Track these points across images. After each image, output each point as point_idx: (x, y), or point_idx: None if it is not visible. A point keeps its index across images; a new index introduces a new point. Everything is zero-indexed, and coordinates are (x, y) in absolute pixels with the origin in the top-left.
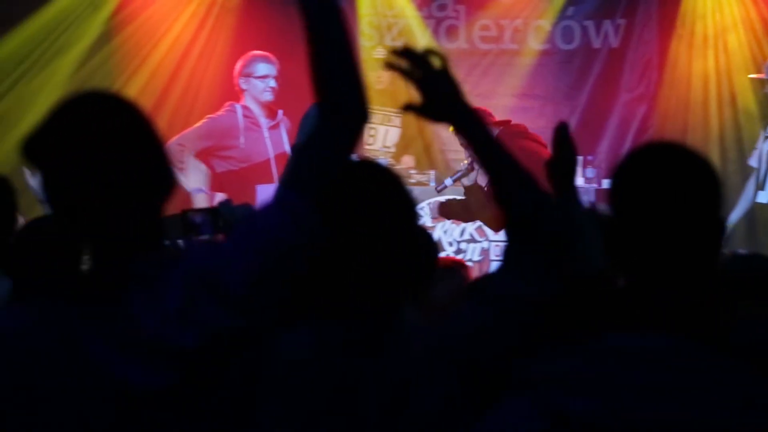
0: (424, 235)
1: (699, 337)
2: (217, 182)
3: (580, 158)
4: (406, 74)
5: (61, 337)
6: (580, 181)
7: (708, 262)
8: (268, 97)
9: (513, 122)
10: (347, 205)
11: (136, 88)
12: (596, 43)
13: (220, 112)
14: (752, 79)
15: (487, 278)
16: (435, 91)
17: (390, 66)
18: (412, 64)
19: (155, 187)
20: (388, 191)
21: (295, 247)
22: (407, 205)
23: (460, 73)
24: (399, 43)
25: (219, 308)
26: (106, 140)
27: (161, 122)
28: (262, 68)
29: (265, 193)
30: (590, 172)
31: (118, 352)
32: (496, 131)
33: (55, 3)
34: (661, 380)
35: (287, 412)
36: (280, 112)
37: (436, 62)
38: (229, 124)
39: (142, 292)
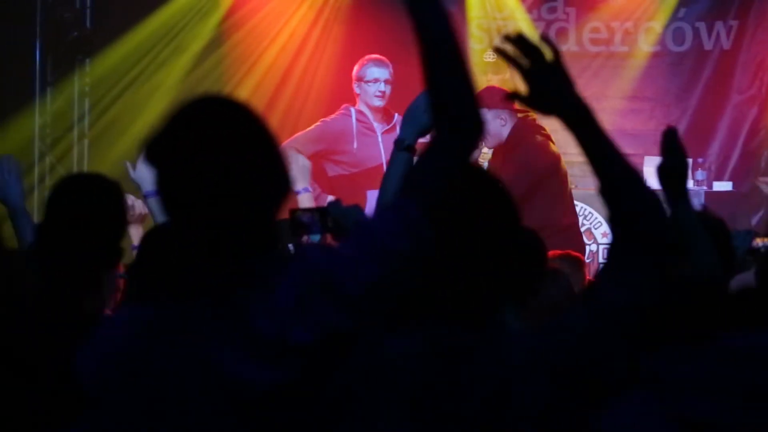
0: (532, 238)
1: None
2: (328, 186)
3: (690, 161)
4: (514, 62)
5: (176, 337)
6: (690, 183)
7: None
8: (377, 102)
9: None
10: (453, 210)
11: (246, 92)
12: (708, 45)
13: (334, 116)
14: None
15: (591, 285)
16: (544, 83)
17: (499, 52)
18: (523, 53)
19: (270, 190)
20: (491, 195)
21: (411, 255)
22: (511, 208)
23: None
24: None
25: (334, 309)
26: (222, 142)
27: (271, 125)
28: (373, 72)
29: (375, 198)
30: (700, 174)
31: (232, 350)
32: (514, 119)
33: (165, 9)
34: None
35: (393, 416)
36: (396, 115)
37: (548, 54)
38: (342, 127)
39: (256, 291)
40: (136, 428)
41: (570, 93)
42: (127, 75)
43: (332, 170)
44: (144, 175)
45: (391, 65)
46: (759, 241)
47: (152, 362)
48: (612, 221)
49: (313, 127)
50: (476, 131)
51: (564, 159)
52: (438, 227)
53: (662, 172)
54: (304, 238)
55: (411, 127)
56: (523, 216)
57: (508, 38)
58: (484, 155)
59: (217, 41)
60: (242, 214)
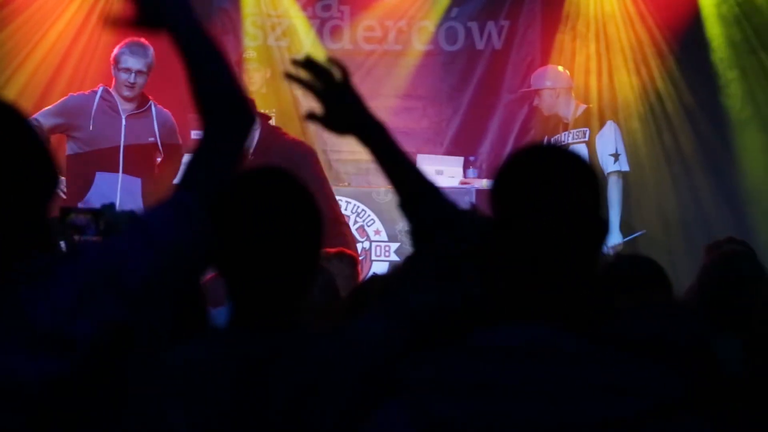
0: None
1: (564, 328)
2: (63, 165)
3: (461, 158)
4: (307, 86)
5: None
6: (456, 182)
7: (583, 259)
8: (126, 92)
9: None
10: (240, 210)
11: (16, 88)
12: (479, 45)
13: (83, 92)
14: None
15: (382, 283)
16: (337, 103)
17: (291, 77)
18: (314, 75)
19: (38, 187)
20: (300, 199)
21: (187, 246)
22: (315, 209)
23: None
24: (284, 44)
25: (113, 302)
26: None
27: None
28: (126, 60)
29: (104, 181)
30: (472, 172)
31: (7, 346)
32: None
33: None
34: (524, 376)
35: (186, 416)
36: (151, 102)
37: (337, 74)
38: (84, 104)
39: (33, 287)
40: None
41: (362, 111)
42: None
43: (70, 148)
44: None
45: (151, 52)
46: None
47: None
48: (411, 233)
49: (60, 101)
50: (248, 122)
51: (337, 157)
52: (225, 225)
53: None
54: (77, 238)
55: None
56: None
57: (297, 63)
58: None
59: None
60: (9, 214)
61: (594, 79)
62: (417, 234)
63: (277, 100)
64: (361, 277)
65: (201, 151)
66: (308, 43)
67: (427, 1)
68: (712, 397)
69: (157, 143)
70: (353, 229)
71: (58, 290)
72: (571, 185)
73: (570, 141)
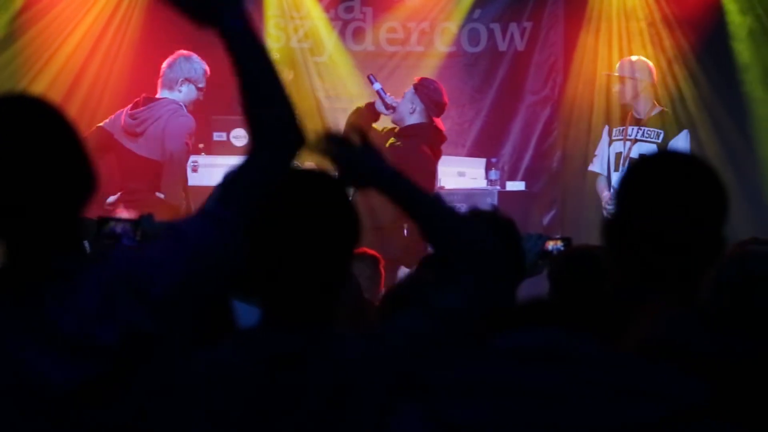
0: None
1: (585, 331)
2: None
3: (483, 160)
4: (328, 155)
5: None
6: (483, 182)
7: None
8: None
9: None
10: (275, 210)
11: (41, 87)
12: (502, 46)
13: None
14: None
15: (413, 286)
16: (355, 170)
17: (315, 149)
18: (332, 144)
19: (74, 188)
20: (333, 203)
21: (220, 257)
22: (354, 214)
23: (366, 75)
24: (306, 45)
25: (140, 311)
26: (21, 143)
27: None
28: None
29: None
30: (494, 174)
31: (33, 348)
32: (425, 117)
33: None
34: (544, 379)
35: (213, 420)
36: None
37: (355, 139)
38: None
39: (59, 289)
40: None
41: (379, 173)
42: None
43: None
44: None
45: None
46: (550, 244)
47: None
48: (430, 238)
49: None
50: (298, 145)
51: None
52: (257, 228)
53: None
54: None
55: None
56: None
57: (319, 137)
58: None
59: (10, 38)
60: (44, 212)
61: (616, 81)
62: (434, 238)
63: (299, 102)
64: (384, 278)
65: (245, 168)
66: (330, 45)
67: (449, 2)
68: (737, 402)
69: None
70: None
71: (84, 294)
72: (698, 198)
73: (639, 137)
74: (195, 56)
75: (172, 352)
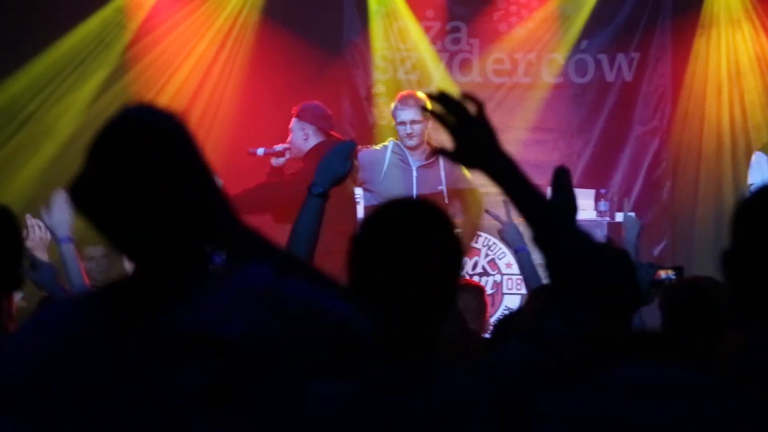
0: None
1: (699, 364)
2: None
3: (592, 191)
4: (441, 119)
5: (102, 342)
6: (592, 214)
7: None
8: (408, 142)
9: None
10: (382, 239)
11: None
12: (610, 77)
13: (375, 147)
14: None
15: (520, 315)
16: (468, 139)
17: (426, 111)
18: (447, 109)
19: (200, 207)
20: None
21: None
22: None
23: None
24: (413, 77)
25: (269, 311)
26: (148, 170)
27: None
28: (399, 115)
29: None
30: (603, 205)
31: (159, 356)
32: (319, 138)
33: (68, 38)
34: (656, 414)
35: None
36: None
37: (471, 108)
38: (375, 157)
39: (188, 299)
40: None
41: (492, 147)
42: (30, 104)
43: (366, 200)
44: (58, 220)
45: (419, 102)
46: (662, 273)
47: (76, 367)
48: (547, 266)
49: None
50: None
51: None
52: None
53: (553, 210)
54: None
55: (326, 175)
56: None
57: (431, 96)
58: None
59: (121, 70)
60: (176, 232)
61: (726, 110)
62: (553, 268)
63: None
64: (490, 309)
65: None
66: (438, 77)
67: (556, 33)
68: None
69: (443, 191)
70: (485, 262)
71: (212, 302)
72: None
73: None
74: None
75: (291, 375)
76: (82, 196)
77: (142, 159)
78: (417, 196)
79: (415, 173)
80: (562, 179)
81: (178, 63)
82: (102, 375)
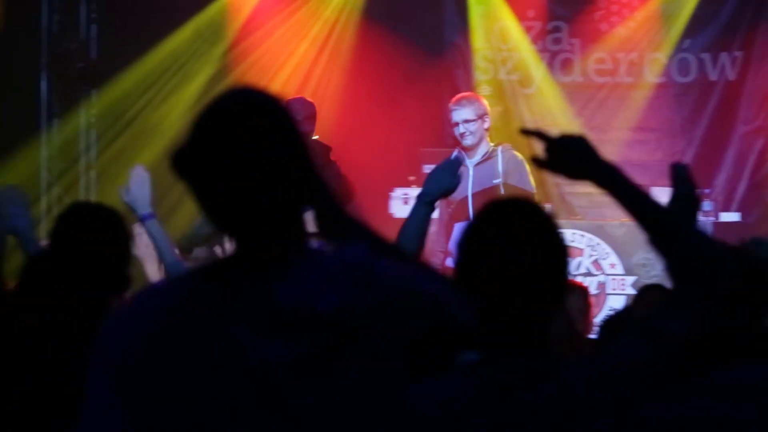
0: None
1: None
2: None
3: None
4: (539, 136)
5: (204, 315)
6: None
7: None
8: (464, 142)
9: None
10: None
11: None
12: (713, 76)
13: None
14: None
15: (628, 314)
16: (570, 151)
17: (525, 132)
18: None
19: (301, 186)
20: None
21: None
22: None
23: (575, 106)
24: (515, 77)
25: (363, 288)
26: (254, 146)
27: None
28: (453, 116)
29: (460, 231)
30: (707, 205)
31: (255, 329)
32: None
33: (171, 39)
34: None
35: None
36: (500, 148)
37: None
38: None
39: (285, 275)
40: (163, 405)
41: (595, 157)
42: (134, 106)
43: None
44: (138, 197)
45: (473, 102)
46: None
47: (180, 336)
48: (667, 270)
49: None
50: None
51: (570, 190)
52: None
53: (673, 206)
54: None
55: (436, 185)
56: None
57: (527, 132)
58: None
59: (223, 71)
60: (274, 210)
61: None
62: (674, 268)
63: (508, 135)
64: (594, 310)
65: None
66: (539, 77)
67: (658, 33)
68: None
69: (499, 185)
70: (589, 262)
71: (308, 277)
72: None
73: None
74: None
75: (383, 351)
76: (185, 166)
77: (247, 133)
78: (472, 194)
79: (471, 171)
80: (681, 173)
81: (281, 63)
82: (204, 348)
